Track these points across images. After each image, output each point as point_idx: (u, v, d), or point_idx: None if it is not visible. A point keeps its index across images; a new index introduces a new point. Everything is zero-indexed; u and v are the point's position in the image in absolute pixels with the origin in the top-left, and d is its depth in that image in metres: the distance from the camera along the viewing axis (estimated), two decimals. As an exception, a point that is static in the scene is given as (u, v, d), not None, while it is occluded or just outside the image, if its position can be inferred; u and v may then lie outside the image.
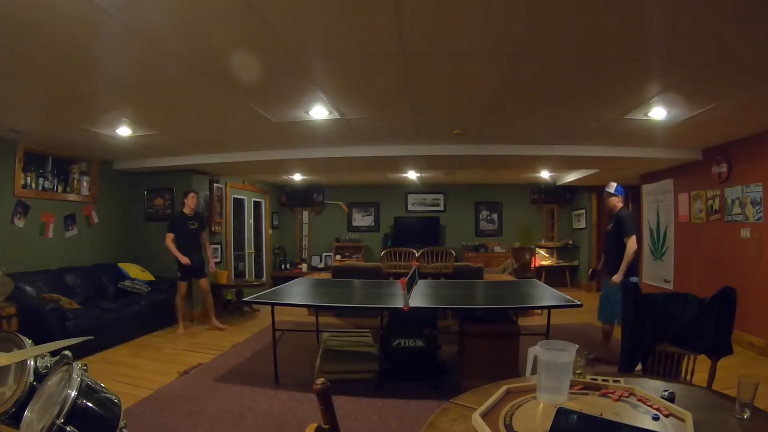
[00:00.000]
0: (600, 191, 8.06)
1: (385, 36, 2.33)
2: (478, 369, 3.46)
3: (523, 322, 4.49)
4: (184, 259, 5.12)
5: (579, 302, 3.34)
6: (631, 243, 3.89)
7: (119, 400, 1.29)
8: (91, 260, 5.47)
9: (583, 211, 8.83)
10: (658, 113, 3.65)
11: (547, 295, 4.00)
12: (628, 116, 3.79)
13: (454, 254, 6.64)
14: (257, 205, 8.56)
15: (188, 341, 5.02)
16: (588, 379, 1.55)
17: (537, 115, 3.91)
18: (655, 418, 1.26)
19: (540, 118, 4.03)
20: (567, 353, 1.39)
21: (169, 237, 5.16)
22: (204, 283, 5.48)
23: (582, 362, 1.57)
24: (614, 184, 4.18)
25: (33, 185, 4.78)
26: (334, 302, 4.22)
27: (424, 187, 9.14)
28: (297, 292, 4.34)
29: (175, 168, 5.87)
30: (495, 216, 9.47)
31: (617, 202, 4.15)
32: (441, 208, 9.49)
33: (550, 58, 2.60)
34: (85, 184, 5.46)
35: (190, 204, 5.32)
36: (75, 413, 1.12)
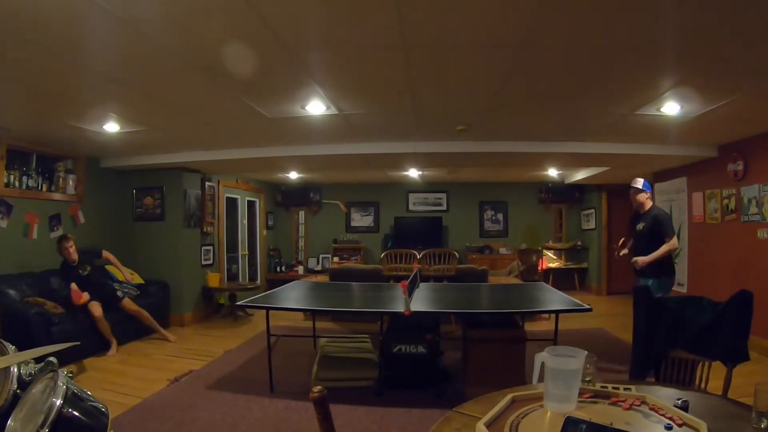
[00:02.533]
0: (610, 190, 8.13)
1: (385, 26, 2.28)
2: (483, 376, 3.43)
3: (529, 327, 4.49)
4: (83, 299, 4.55)
5: (588, 306, 3.34)
6: (674, 241, 3.83)
7: (107, 409, 1.30)
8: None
9: (592, 211, 8.68)
10: (671, 108, 3.58)
11: (554, 298, 4.00)
12: (640, 111, 3.72)
13: (457, 256, 6.61)
14: (251, 204, 8.46)
15: (179, 347, 4.95)
16: (598, 386, 1.52)
17: (544, 110, 3.84)
18: (668, 428, 1.23)
19: (547, 114, 3.96)
20: (576, 360, 1.37)
21: (73, 287, 4.59)
22: (127, 304, 4.96)
23: (591, 369, 1.55)
24: (641, 180, 4.05)
25: (16, 184, 4.65)
26: (331, 306, 4.20)
27: (426, 186, 9.01)
28: (293, 295, 4.32)
29: (165, 166, 5.77)
30: (500, 216, 9.31)
31: (645, 199, 4.03)
32: (444, 207, 9.34)
33: (557, 50, 2.55)
34: (70, 182, 5.32)
35: (69, 254, 4.70)
36: (60, 422, 1.12)
